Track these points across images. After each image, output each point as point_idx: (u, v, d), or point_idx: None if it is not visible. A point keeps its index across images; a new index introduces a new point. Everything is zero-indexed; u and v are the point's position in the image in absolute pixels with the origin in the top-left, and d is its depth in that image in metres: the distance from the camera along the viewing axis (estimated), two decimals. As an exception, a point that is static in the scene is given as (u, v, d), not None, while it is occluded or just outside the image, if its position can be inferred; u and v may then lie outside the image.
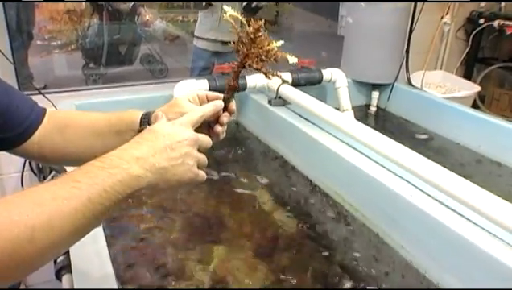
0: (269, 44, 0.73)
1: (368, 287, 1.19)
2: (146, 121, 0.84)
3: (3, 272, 0.53)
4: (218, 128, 0.84)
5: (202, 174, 0.75)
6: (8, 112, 0.84)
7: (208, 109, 0.79)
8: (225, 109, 0.84)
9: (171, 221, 1.43)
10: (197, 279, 1.19)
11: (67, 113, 0.96)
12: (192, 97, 0.85)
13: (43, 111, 0.90)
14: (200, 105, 0.84)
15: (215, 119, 0.84)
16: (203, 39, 3.36)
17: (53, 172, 1.58)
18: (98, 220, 0.62)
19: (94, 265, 0.94)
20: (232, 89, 0.81)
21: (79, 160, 0.89)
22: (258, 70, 0.74)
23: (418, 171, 1.22)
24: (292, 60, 0.74)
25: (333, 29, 3.09)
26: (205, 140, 0.77)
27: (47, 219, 0.56)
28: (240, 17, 0.73)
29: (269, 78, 0.77)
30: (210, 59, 3.39)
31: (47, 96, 1.64)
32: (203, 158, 0.75)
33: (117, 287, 0.88)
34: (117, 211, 1.42)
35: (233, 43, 0.75)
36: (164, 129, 0.71)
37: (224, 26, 3.29)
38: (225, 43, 3.29)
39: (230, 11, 0.73)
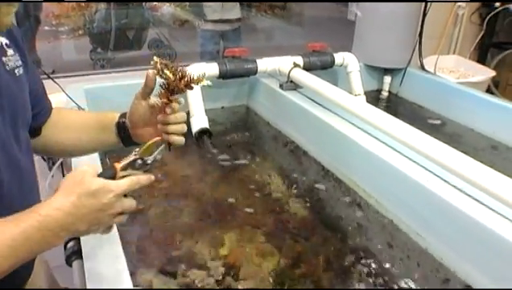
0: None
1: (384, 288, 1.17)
2: (123, 116, 0.98)
3: None
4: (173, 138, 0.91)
5: (118, 219, 0.77)
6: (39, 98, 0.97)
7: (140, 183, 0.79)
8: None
9: (182, 207, 1.41)
10: (209, 267, 1.17)
11: (59, 109, 1.07)
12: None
13: (52, 108, 1.03)
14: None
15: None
16: (208, 21, 3.49)
17: (61, 159, 1.59)
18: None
19: (105, 251, 0.93)
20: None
21: (62, 153, 1.16)
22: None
23: (434, 156, 1.19)
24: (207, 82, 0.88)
25: (344, 14, 3.05)
26: (130, 206, 0.78)
27: None
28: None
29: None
30: (218, 40, 3.54)
31: (55, 80, 1.62)
32: (127, 208, 0.77)
33: (128, 273, 0.87)
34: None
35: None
36: (103, 198, 0.72)
37: (226, 7, 3.45)
38: (229, 21, 3.58)
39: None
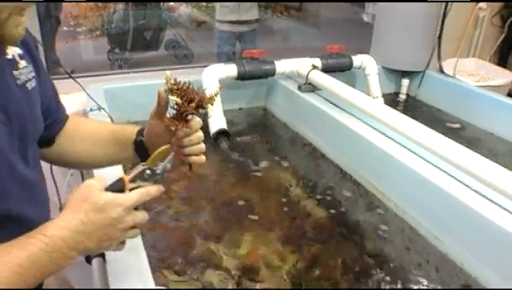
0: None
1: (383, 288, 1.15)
2: (141, 133, 0.92)
3: None
4: (192, 159, 0.87)
5: (131, 233, 0.75)
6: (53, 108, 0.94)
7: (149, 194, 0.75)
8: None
9: (200, 208, 1.42)
10: (225, 267, 1.18)
11: (76, 119, 1.03)
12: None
13: (67, 116, 0.99)
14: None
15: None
16: (225, 22, 3.48)
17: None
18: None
19: (126, 249, 0.93)
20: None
21: (76, 165, 1.09)
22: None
23: (455, 160, 1.18)
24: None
25: (359, 15, 3.04)
26: (142, 219, 0.75)
27: None
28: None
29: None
30: (234, 41, 3.52)
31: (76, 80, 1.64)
32: (139, 221, 0.74)
33: (150, 273, 0.87)
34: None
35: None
36: (112, 212, 0.70)
37: (243, 7, 3.43)
38: (246, 22, 3.56)
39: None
